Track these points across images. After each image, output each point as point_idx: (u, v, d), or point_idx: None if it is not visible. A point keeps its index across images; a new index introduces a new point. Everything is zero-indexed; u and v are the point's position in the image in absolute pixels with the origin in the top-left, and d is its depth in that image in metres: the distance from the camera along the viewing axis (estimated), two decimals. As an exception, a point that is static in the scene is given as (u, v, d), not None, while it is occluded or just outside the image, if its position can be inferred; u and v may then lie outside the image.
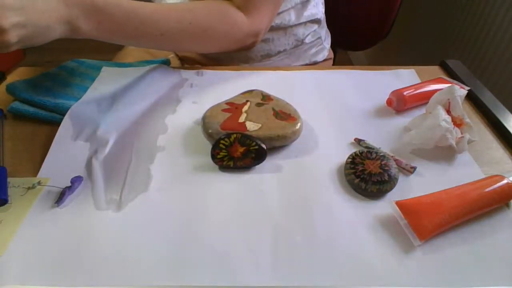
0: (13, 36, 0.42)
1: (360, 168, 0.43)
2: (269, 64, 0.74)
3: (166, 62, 0.66)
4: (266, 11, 0.63)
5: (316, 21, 0.76)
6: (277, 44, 0.73)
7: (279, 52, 0.74)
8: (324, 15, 0.79)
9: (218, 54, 0.73)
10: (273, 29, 0.70)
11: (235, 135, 0.45)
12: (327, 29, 0.85)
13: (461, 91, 0.50)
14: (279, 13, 0.70)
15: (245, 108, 0.51)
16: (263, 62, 0.74)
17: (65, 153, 0.47)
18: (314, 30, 0.77)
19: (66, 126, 0.50)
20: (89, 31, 0.50)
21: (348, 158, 0.46)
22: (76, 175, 0.44)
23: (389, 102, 0.56)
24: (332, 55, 0.87)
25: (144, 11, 0.53)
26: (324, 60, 0.83)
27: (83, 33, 0.49)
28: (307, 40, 0.76)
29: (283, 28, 0.72)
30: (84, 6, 0.48)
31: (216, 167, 0.46)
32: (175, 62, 0.80)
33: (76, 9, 0.47)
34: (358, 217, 0.40)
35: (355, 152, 0.46)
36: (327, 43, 0.83)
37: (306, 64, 0.79)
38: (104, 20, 0.50)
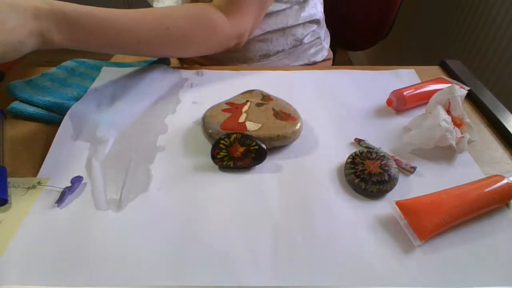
0: None
1: (360, 168, 0.43)
2: (268, 64, 0.74)
3: (166, 62, 0.66)
4: (250, 12, 0.62)
5: (315, 21, 0.76)
6: (276, 44, 0.73)
7: (278, 52, 0.74)
8: (323, 15, 0.79)
9: (216, 54, 0.73)
10: (271, 29, 0.70)
11: (235, 135, 0.45)
12: (327, 29, 0.85)
13: (461, 91, 0.50)
14: (277, 14, 0.69)
15: (245, 108, 0.51)
16: (262, 62, 0.74)
17: (65, 153, 0.47)
18: (313, 30, 0.77)
19: (66, 126, 0.50)
20: (62, 42, 0.49)
21: (348, 158, 0.46)
22: (76, 175, 0.44)
23: (389, 102, 0.56)
24: (331, 55, 0.87)
25: (118, 19, 0.52)
26: (324, 60, 0.83)
27: (56, 44, 0.48)
28: (305, 40, 0.76)
29: (282, 29, 0.72)
30: (55, 18, 0.47)
31: (216, 167, 0.46)
32: (175, 62, 0.80)
33: (47, 21, 0.46)
34: (358, 217, 0.40)
35: (355, 152, 0.46)
36: (326, 43, 0.83)
37: (305, 64, 0.79)
38: (76, 31, 0.49)
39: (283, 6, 0.70)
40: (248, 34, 0.64)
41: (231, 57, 0.73)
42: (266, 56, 0.74)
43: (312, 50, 0.78)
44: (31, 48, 0.47)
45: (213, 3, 0.61)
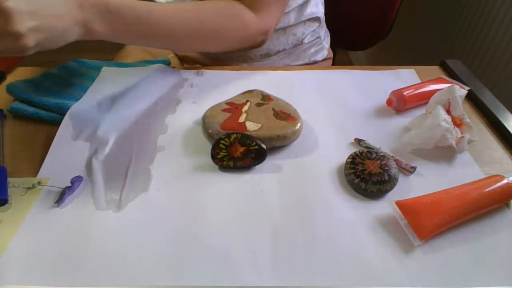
0: (30, 40, 0.42)
1: (360, 168, 0.43)
2: (269, 64, 0.74)
3: (166, 62, 0.66)
4: (275, 10, 0.64)
5: (316, 19, 0.76)
6: (276, 43, 0.73)
7: (279, 51, 0.74)
8: (323, 15, 0.79)
9: (218, 54, 0.73)
10: None
11: (235, 135, 0.45)
12: (327, 29, 0.85)
13: (461, 91, 0.50)
14: None
15: (245, 108, 0.51)
16: (263, 61, 0.74)
17: (65, 153, 0.47)
18: (314, 30, 0.77)
19: (66, 126, 0.50)
20: (103, 33, 0.50)
21: (348, 158, 0.46)
22: (76, 175, 0.44)
23: (389, 102, 0.56)
24: (331, 55, 0.87)
25: (155, 13, 0.54)
26: (324, 60, 0.83)
27: (97, 35, 0.50)
28: (306, 40, 0.76)
29: (283, 28, 0.72)
30: (99, 9, 0.48)
31: (216, 167, 0.46)
32: (175, 62, 0.80)
33: (92, 12, 0.48)
34: (358, 217, 0.40)
35: (355, 152, 0.46)
36: (327, 43, 0.83)
37: (306, 64, 0.79)
38: (117, 22, 0.50)
39: (291, 6, 0.70)
40: (272, 31, 0.66)
41: (233, 56, 0.73)
42: (267, 55, 0.74)
43: (313, 50, 0.79)
44: (74, 37, 0.48)
45: (241, 0, 0.62)
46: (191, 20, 0.57)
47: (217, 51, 0.65)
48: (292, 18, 0.71)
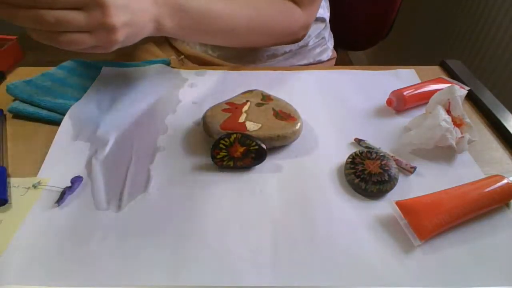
0: (121, 35, 0.43)
1: (360, 168, 0.43)
2: (275, 64, 0.75)
3: (166, 62, 0.66)
4: (317, 5, 0.66)
5: (322, 19, 0.77)
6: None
7: (285, 52, 0.75)
8: (328, 18, 0.80)
9: (227, 54, 0.73)
10: None
11: (235, 135, 0.45)
12: (330, 31, 0.85)
13: (461, 91, 0.50)
14: None
15: (245, 108, 0.51)
16: (269, 62, 0.75)
17: (65, 153, 0.47)
18: (319, 32, 0.77)
19: (66, 126, 0.50)
20: (171, 29, 0.51)
21: (348, 158, 0.46)
22: (76, 175, 0.44)
23: (389, 102, 0.56)
24: (335, 55, 0.87)
25: (216, 7, 0.55)
26: (328, 60, 0.83)
27: (166, 31, 0.51)
28: (311, 41, 0.77)
29: None
30: (170, 5, 0.49)
31: (216, 167, 0.46)
32: (175, 62, 0.80)
33: (164, 7, 0.49)
34: (358, 217, 0.40)
35: (355, 152, 0.46)
36: (331, 44, 0.84)
37: (311, 63, 0.79)
38: (184, 17, 0.51)
39: None
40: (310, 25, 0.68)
41: (240, 56, 0.73)
42: (273, 56, 0.74)
43: (318, 50, 0.79)
44: (147, 33, 0.49)
45: None
46: (249, 15, 0.58)
47: (265, 46, 0.67)
48: None
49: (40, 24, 0.39)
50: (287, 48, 0.74)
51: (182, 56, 0.78)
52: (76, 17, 0.40)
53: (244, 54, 0.72)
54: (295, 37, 0.67)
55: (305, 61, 0.78)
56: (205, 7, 0.54)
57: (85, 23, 0.40)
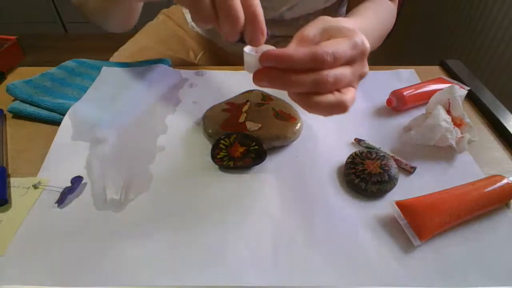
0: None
1: (360, 168, 0.43)
2: None
3: (166, 62, 0.65)
4: None
5: None
6: None
7: None
8: None
9: (238, 58, 0.74)
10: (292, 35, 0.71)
11: (235, 135, 0.45)
12: None
13: (461, 91, 0.50)
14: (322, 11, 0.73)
15: (245, 108, 0.51)
16: None
17: (65, 153, 0.47)
18: None
19: (66, 126, 0.50)
20: None
21: (348, 158, 0.46)
22: (76, 175, 0.44)
23: (389, 102, 0.56)
24: None
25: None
26: None
27: None
28: None
29: None
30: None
31: (216, 167, 0.46)
32: (175, 62, 0.80)
33: None
34: (358, 217, 0.40)
35: (355, 152, 0.46)
36: None
37: None
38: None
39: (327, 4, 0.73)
40: None
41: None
42: None
43: None
44: None
45: None
46: (379, 29, 0.59)
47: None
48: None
49: (319, 86, 0.33)
50: None
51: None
52: (345, 72, 0.34)
53: None
54: None
55: None
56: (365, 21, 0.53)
57: (351, 78, 0.35)
